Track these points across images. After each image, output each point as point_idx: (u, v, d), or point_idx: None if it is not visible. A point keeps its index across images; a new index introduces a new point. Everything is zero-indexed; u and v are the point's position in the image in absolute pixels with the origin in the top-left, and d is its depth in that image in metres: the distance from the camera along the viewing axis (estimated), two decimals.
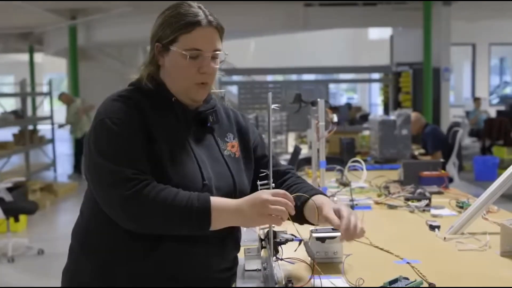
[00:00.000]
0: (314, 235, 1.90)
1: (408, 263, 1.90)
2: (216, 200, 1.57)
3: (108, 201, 1.57)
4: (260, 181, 1.65)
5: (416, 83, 11.48)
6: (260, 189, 1.62)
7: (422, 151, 5.87)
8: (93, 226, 1.66)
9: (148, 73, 1.71)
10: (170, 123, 1.67)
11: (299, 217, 1.79)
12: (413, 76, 11.54)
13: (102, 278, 1.64)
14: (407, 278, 1.60)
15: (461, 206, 2.66)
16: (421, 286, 1.56)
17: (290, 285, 1.45)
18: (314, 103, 3.02)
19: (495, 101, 18.35)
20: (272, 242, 1.77)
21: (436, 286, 1.66)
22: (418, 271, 1.81)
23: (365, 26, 16.47)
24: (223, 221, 1.58)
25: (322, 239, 1.91)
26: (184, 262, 1.63)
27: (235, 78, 10.80)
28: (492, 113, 13.65)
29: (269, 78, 15.54)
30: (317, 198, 1.77)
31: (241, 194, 1.70)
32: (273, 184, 1.61)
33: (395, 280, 1.57)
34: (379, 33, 18.17)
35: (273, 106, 1.63)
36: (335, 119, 3.00)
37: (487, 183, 2.46)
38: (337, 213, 1.68)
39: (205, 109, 1.75)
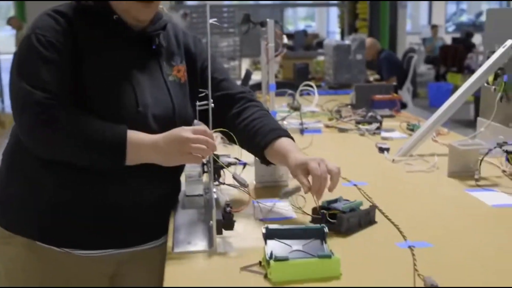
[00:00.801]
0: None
1: (355, 185, 1.86)
2: (133, 135, 1.45)
3: (18, 125, 1.46)
4: (199, 101, 1.54)
5: (373, 10, 11.35)
6: (198, 109, 1.52)
7: (377, 76, 5.84)
8: (18, 148, 1.54)
9: None
10: (107, 44, 1.53)
11: (260, 158, 1.71)
12: (370, 2, 11.40)
13: (27, 203, 1.54)
14: (346, 200, 1.55)
15: (412, 129, 2.62)
16: (360, 206, 1.50)
17: (228, 209, 1.38)
18: (263, 24, 2.89)
19: (451, 28, 18.40)
20: (213, 167, 1.70)
21: (379, 207, 1.61)
22: (364, 193, 1.76)
23: None
24: (140, 157, 1.46)
25: (267, 162, 1.83)
26: (114, 189, 1.54)
27: (188, 3, 10.48)
28: (448, 40, 13.69)
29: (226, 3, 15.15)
30: (281, 146, 1.62)
31: (182, 122, 1.58)
32: (213, 104, 1.50)
33: (334, 201, 1.51)
34: None
35: (211, 20, 1.51)
36: (285, 40, 2.88)
37: None
38: (306, 167, 1.52)
39: (151, 30, 1.60)
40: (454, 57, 10.82)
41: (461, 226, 1.51)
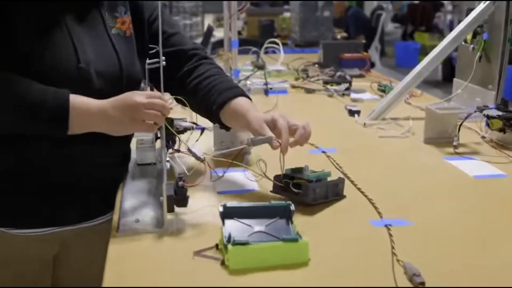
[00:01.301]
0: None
1: (323, 152, 1.69)
2: (77, 100, 1.25)
3: None
4: (149, 59, 1.34)
5: None
6: (148, 68, 1.32)
7: (345, 34, 5.66)
8: None
9: None
10: None
11: (214, 121, 1.53)
12: None
13: None
14: (313, 171, 1.38)
15: (383, 90, 2.47)
16: (328, 177, 1.34)
17: (181, 183, 1.20)
18: None
19: None
20: (166, 132, 1.51)
21: (350, 178, 1.46)
22: (333, 161, 1.60)
23: None
24: (85, 125, 1.26)
25: (227, 128, 1.65)
26: (55, 159, 1.34)
27: None
28: None
29: None
30: (239, 105, 1.44)
31: (131, 80, 1.40)
32: (164, 63, 1.30)
33: (299, 170, 1.34)
34: None
35: None
36: None
37: (408, 69, 2.26)
38: (271, 124, 1.35)
39: None
40: (422, 16, 10.68)
41: (442, 201, 1.36)
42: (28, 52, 1.26)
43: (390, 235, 1.14)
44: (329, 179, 1.35)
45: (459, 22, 2.16)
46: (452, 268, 1.02)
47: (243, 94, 1.47)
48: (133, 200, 1.35)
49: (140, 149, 1.61)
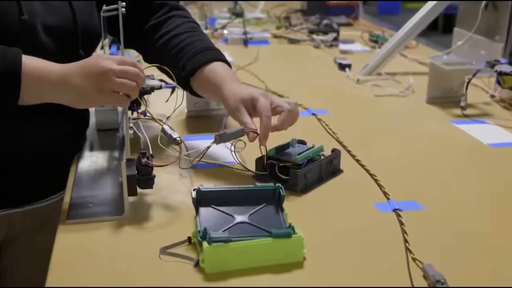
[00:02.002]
0: None
1: (313, 114, 1.47)
2: (31, 63, 0.98)
3: None
4: (106, 6, 1.08)
5: None
6: (104, 16, 1.06)
7: None
8: None
9: None
10: None
11: (184, 88, 1.29)
12: None
13: None
14: (302, 142, 1.16)
15: (375, 41, 2.24)
16: (321, 153, 1.12)
17: (144, 160, 0.97)
18: None
19: None
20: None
21: (347, 147, 1.24)
22: (326, 125, 1.38)
23: None
24: (40, 94, 1.00)
25: (194, 93, 1.42)
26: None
27: None
28: None
29: None
30: (214, 73, 1.19)
31: (88, 36, 1.15)
32: (124, 9, 1.05)
33: (286, 146, 1.12)
34: None
35: None
36: None
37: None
38: (250, 103, 1.11)
39: None
40: None
41: (458, 177, 1.14)
42: None
43: (401, 223, 0.93)
44: (322, 154, 1.13)
45: None
46: (482, 267, 0.82)
47: (219, 58, 1.22)
48: (88, 179, 1.12)
49: (100, 112, 1.37)
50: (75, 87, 0.97)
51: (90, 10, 1.18)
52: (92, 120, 1.39)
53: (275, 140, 1.13)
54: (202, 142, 1.24)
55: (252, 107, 1.10)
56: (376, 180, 1.09)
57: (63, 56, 1.04)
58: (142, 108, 1.35)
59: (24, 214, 1.20)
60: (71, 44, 1.11)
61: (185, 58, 1.21)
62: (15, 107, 0.99)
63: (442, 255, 0.84)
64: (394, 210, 0.98)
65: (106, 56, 0.99)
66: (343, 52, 2.14)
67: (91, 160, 1.21)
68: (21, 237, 1.24)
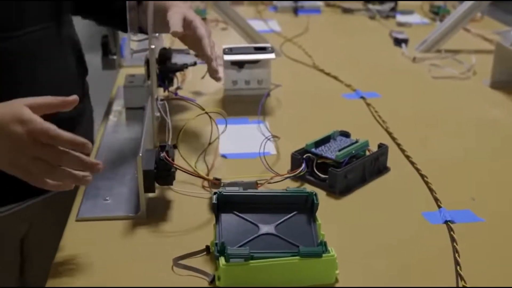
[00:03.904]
0: (227, 57, 1.29)
1: (362, 97, 1.33)
2: None
3: None
4: None
5: None
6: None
7: None
8: None
9: None
10: None
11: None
12: None
13: None
14: (345, 134, 1.03)
15: (436, 12, 2.05)
16: (366, 149, 0.99)
17: (162, 154, 0.87)
18: None
19: None
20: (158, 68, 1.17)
21: (397, 140, 1.11)
22: (376, 112, 1.24)
23: None
24: None
25: (239, 64, 1.30)
26: None
27: None
28: None
29: None
30: None
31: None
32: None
33: (327, 138, 1.00)
34: None
35: None
36: None
37: None
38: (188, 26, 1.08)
39: None
40: None
41: None
42: None
43: (453, 239, 0.80)
44: (367, 150, 1.00)
45: None
46: None
47: None
48: (106, 166, 1.02)
49: (129, 88, 1.27)
50: None
51: None
52: (121, 97, 1.30)
53: (315, 130, 1.01)
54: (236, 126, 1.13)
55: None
56: (427, 183, 0.96)
57: None
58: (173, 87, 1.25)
59: (45, 202, 1.12)
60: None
61: None
62: None
63: (502, 283, 0.71)
64: (446, 221, 0.85)
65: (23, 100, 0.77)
66: (400, 24, 1.97)
67: (113, 144, 1.11)
68: (42, 227, 1.15)
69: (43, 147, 0.75)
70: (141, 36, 1.14)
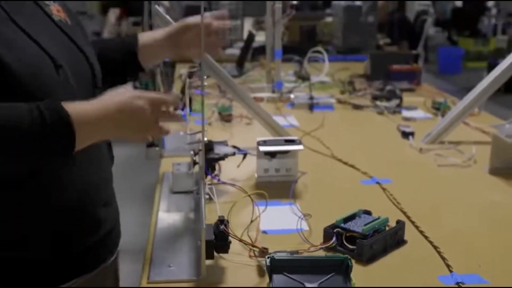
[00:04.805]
0: (262, 148, 1.50)
1: (378, 183, 1.53)
2: (71, 107, 0.98)
3: None
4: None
5: None
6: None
7: (388, 40, 5.44)
8: None
9: None
10: None
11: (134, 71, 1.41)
12: None
13: None
14: (368, 212, 1.22)
15: (438, 108, 2.28)
16: (386, 224, 1.18)
17: (222, 227, 1.05)
18: None
19: None
20: (206, 158, 1.37)
21: (411, 217, 1.29)
22: (390, 195, 1.43)
23: None
24: (87, 136, 1.01)
25: (271, 154, 1.51)
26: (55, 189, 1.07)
27: None
28: (458, 2, 13.15)
29: None
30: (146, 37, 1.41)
31: (99, 76, 1.19)
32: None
33: (353, 216, 1.19)
34: None
35: None
36: (294, 1, 2.52)
37: (452, 76, 2.07)
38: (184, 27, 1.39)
39: None
40: (466, 20, 10.34)
41: None
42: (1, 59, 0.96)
43: None
44: (387, 225, 1.18)
45: (504, 26, 1.95)
46: None
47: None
48: (167, 238, 1.21)
49: (177, 175, 1.47)
50: (116, 123, 1.02)
51: (89, 47, 1.20)
52: (168, 183, 1.49)
53: (342, 209, 1.19)
54: (272, 207, 1.32)
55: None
56: (439, 252, 1.13)
57: (89, 94, 1.10)
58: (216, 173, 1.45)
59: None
60: (89, 82, 1.15)
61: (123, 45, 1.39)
62: (71, 154, 0.99)
63: None
64: (457, 283, 1.02)
65: (136, 94, 1.04)
66: (406, 119, 2.19)
67: (168, 222, 1.30)
68: None
69: (159, 111, 1.05)
70: (192, 131, 1.35)
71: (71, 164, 1.06)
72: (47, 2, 1.14)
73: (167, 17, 1.61)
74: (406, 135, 1.94)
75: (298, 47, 3.97)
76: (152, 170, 1.71)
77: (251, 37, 3.33)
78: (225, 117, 2.14)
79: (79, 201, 1.10)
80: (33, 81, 0.99)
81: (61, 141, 0.97)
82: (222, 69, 1.72)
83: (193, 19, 1.39)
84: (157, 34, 1.41)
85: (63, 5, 1.19)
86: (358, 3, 4.47)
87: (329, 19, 5.16)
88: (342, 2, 4.52)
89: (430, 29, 11.70)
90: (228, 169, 1.55)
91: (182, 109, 1.76)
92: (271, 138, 1.58)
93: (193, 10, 4.41)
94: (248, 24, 5.44)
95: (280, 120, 2.09)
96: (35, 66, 1.00)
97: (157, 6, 1.62)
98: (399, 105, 2.33)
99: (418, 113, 2.28)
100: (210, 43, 1.39)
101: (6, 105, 0.94)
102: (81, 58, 1.13)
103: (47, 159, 1.00)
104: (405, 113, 2.26)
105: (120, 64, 1.36)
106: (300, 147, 1.50)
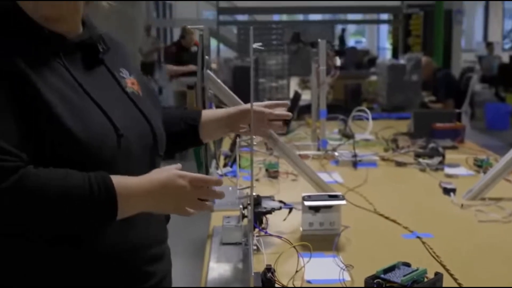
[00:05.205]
0: (307, 203, 1.59)
1: (418, 237, 1.59)
2: (119, 181, 1.07)
3: None
4: None
5: (426, 26, 10.92)
6: None
7: (433, 98, 5.50)
8: None
9: None
10: (47, 61, 1.12)
11: (189, 141, 1.51)
12: (423, 18, 11.00)
13: None
14: (407, 264, 1.28)
15: (480, 165, 2.33)
16: (424, 275, 1.23)
17: (269, 275, 1.14)
18: (314, 44, 2.66)
19: (508, 45, 17.75)
20: (254, 212, 1.46)
21: (450, 271, 1.35)
22: (430, 248, 1.49)
23: None
24: (130, 208, 1.10)
25: (315, 208, 1.59)
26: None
27: (239, 17, 10.28)
28: (505, 58, 13.14)
29: (275, 17, 14.88)
30: (209, 114, 1.53)
31: (162, 145, 1.28)
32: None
33: (393, 267, 1.25)
34: None
35: (255, 45, 1.28)
36: (338, 62, 2.65)
37: (499, 132, 2.13)
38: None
39: (88, 35, 1.20)
40: None
41: None
42: (63, 123, 1.05)
43: None
44: (425, 276, 1.24)
45: None
46: None
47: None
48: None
49: (227, 228, 1.56)
50: (157, 200, 1.12)
51: (157, 118, 1.29)
52: (218, 236, 1.59)
53: (383, 261, 1.26)
54: (315, 259, 1.39)
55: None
56: None
57: (150, 161, 1.20)
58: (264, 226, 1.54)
59: None
60: (151, 151, 1.23)
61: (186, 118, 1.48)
62: (112, 222, 1.08)
63: None
64: None
65: (177, 173, 1.13)
66: (448, 176, 2.25)
67: (219, 268, 1.39)
68: None
69: (199, 189, 1.13)
70: (241, 186, 1.45)
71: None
72: (122, 75, 1.26)
73: (219, 81, 1.74)
74: (447, 191, 2.00)
75: (343, 105, 4.08)
76: (203, 223, 1.81)
77: (297, 96, 3.46)
78: (272, 173, 2.24)
79: (129, 258, 1.18)
80: (94, 147, 1.08)
81: (105, 212, 1.07)
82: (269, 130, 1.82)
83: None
84: (219, 113, 1.52)
85: (139, 77, 1.32)
86: (402, 61, 4.57)
87: (373, 78, 5.29)
88: (387, 61, 4.64)
89: (476, 86, 11.70)
90: (275, 222, 1.64)
91: (231, 166, 1.87)
92: (316, 193, 1.67)
93: (241, 71, 4.60)
94: (293, 83, 5.60)
95: (324, 176, 2.17)
96: (98, 133, 1.09)
97: (209, 71, 1.75)
98: (441, 162, 2.39)
99: (461, 170, 2.34)
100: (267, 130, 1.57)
101: (61, 173, 1.04)
102: (146, 128, 1.22)
103: (89, 227, 1.09)
104: (447, 170, 2.32)
105: (181, 135, 1.46)
106: (343, 202, 1.58)
